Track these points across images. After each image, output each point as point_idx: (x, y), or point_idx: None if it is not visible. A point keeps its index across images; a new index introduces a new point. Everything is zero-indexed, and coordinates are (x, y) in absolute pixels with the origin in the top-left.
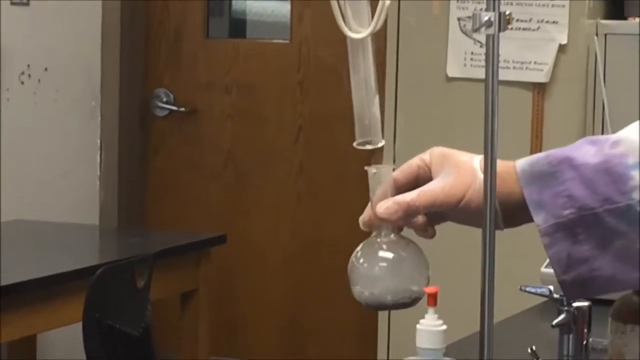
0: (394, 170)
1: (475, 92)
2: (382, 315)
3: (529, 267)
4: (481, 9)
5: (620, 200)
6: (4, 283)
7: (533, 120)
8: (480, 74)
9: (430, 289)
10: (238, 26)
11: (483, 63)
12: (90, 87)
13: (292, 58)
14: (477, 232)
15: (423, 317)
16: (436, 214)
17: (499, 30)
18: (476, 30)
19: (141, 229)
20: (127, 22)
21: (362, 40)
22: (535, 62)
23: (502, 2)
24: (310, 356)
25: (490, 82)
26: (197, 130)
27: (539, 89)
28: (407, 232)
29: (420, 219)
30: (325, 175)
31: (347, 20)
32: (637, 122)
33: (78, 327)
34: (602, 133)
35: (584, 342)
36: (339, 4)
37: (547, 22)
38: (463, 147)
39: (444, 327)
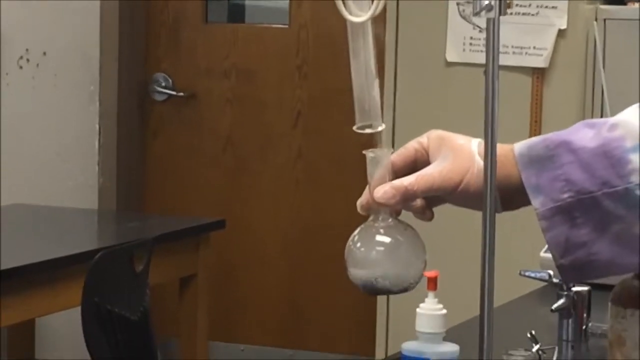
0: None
1: (474, 77)
2: (381, 300)
3: (528, 251)
4: None
5: (618, 184)
6: (3, 267)
7: (532, 105)
8: (479, 59)
9: (430, 273)
10: (237, 11)
11: (482, 48)
12: (89, 72)
13: (291, 43)
14: (477, 217)
15: (421, 303)
16: (434, 197)
17: (500, 14)
18: (477, 14)
19: (140, 214)
20: (126, 6)
21: (362, 24)
22: (534, 47)
23: None
24: (309, 341)
25: (491, 66)
26: (196, 115)
27: (538, 74)
28: (405, 215)
29: (419, 202)
30: (324, 160)
31: (347, 4)
32: (635, 105)
33: (77, 311)
34: (601, 117)
35: (583, 327)
36: None
37: (546, 7)
38: (462, 132)
39: (444, 311)
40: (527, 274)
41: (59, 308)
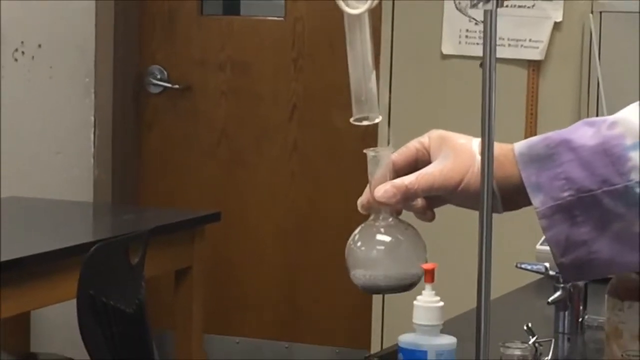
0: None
1: (470, 70)
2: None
3: (524, 244)
4: None
5: (618, 182)
6: None
7: (528, 97)
8: (475, 51)
9: (427, 266)
10: (232, 3)
11: (478, 40)
12: (84, 64)
13: (287, 35)
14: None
15: (417, 296)
16: (435, 197)
17: (497, 6)
18: (474, 5)
19: (135, 206)
20: None
21: (359, 16)
22: (530, 40)
23: None
24: (304, 334)
25: (488, 58)
26: (191, 107)
27: (534, 67)
28: (406, 215)
29: (419, 202)
30: (319, 153)
31: None
32: (635, 104)
33: (72, 303)
34: (597, 111)
35: (580, 319)
36: None
37: None
38: (458, 124)
39: (441, 303)
40: (523, 266)
41: (55, 300)
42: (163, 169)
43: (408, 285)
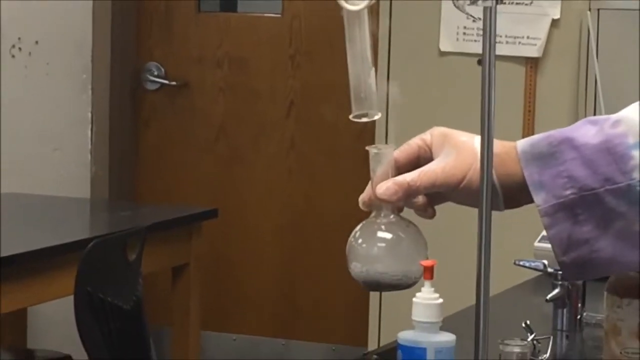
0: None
1: (468, 67)
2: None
3: (522, 241)
4: None
5: (621, 180)
6: None
7: (526, 94)
8: (473, 48)
9: (427, 263)
10: (229, 0)
11: (475, 37)
12: (82, 61)
13: (284, 32)
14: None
15: (415, 292)
16: (436, 195)
17: (497, 3)
18: (473, 2)
19: (132, 203)
20: None
21: (359, 12)
22: (528, 37)
23: None
24: (301, 331)
25: (488, 55)
26: (188, 104)
27: (532, 64)
28: (407, 212)
29: (421, 199)
30: (316, 149)
31: None
32: (638, 102)
33: (69, 300)
34: (595, 108)
35: (578, 317)
36: None
37: None
38: (456, 122)
39: (440, 300)
40: (521, 263)
41: (52, 297)
42: (160, 165)
43: (409, 283)
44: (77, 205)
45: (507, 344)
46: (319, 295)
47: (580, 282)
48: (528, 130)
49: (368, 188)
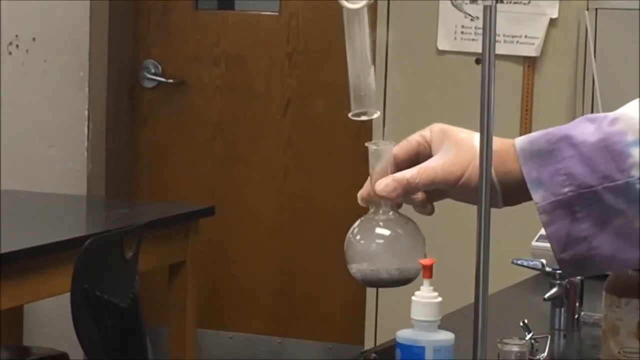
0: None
1: (465, 66)
2: (371, 288)
3: (520, 240)
4: None
5: (619, 178)
6: None
7: (523, 94)
8: (471, 47)
9: (426, 261)
10: None
11: (473, 36)
12: (79, 58)
13: (282, 30)
14: (473, 205)
15: (411, 290)
16: (435, 191)
17: (497, 1)
18: (474, 1)
19: (129, 201)
20: None
21: (358, 10)
22: (526, 36)
23: None
24: (298, 328)
25: (487, 53)
26: (185, 102)
27: (530, 63)
28: (405, 208)
29: (420, 195)
30: (313, 148)
31: None
32: (636, 100)
33: (65, 297)
34: (592, 107)
35: (576, 316)
36: None
37: None
38: (453, 120)
39: (439, 299)
40: (519, 262)
41: (48, 294)
42: (157, 163)
43: (407, 280)
44: (74, 202)
45: (506, 343)
46: (316, 293)
47: (578, 282)
48: (525, 129)
49: (367, 184)
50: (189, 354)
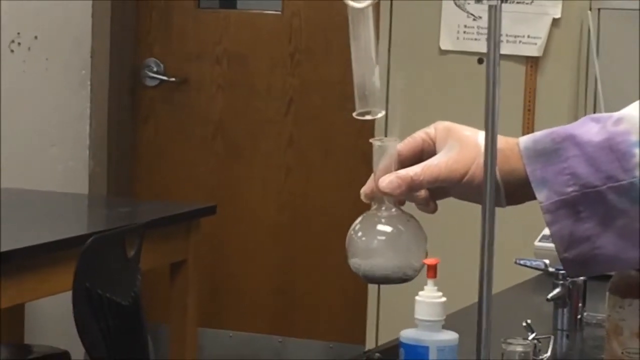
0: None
1: (468, 65)
2: (372, 287)
3: (523, 240)
4: None
5: (623, 178)
6: None
7: (526, 93)
8: (473, 47)
9: (430, 261)
10: None
11: (476, 36)
12: (81, 56)
13: (284, 30)
14: (476, 204)
15: (413, 290)
16: (438, 189)
17: (502, 1)
18: (479, 1)
19: (130, 199)
20: None
21: (363, 10)
22: (528, 36)
23: None
24: (298, 328)
25: (492, 53)
26: (187, 100)
27: (532, 63)
28: (407, 207)
29: (423, 193)
30: (314, 147)
31: None
32: None
33: (67, 296)
34: (594, 108)
35: (579, 316)
36: None
37: None
38: (455, 120)
39: (444, 299)
40: (522, 262)
41: (49, 293)
42: (158, 161)
43: (407, 277)
44: (75, 201)
45: (510, 343)
46: (317, 292)
47: (581, 282)
48: (528, 129)
49: (370, 180)
50: (189, 352)
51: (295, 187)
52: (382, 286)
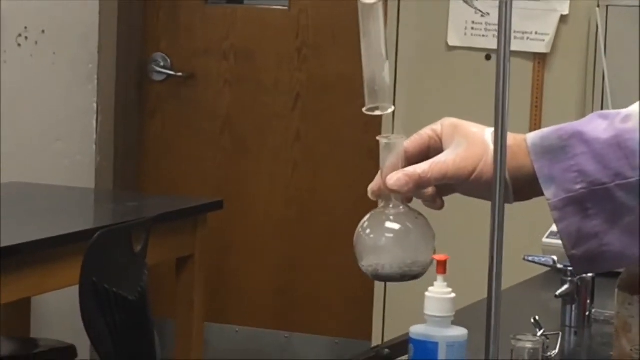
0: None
1: (475, 62)
2: (378, 284)
3: (530, 236)
4: None
5: (631, 176)
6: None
7: (533, 90)
8: (481, 43)
9: (440, 257)
10: None
11: (483, 32)
12: (88, 50)
13: (291, 25)
14: (485, 201)
15: (419, 286)
16: (444, 186)
17: None
18: None
19: (137, 194)
20: None
21: (373, 6)
22: (536, 33)
23: None
24: (305, 323)
25: (503, 49)
26: (194, 95)
27: (540, 59)
28: (414, 203)
29: (430, 190)
30: (321, 142)
31: None
32: None
33: (73, 290)
34: (602, 104)
35: (587, 313)
36: None
37: None
38: (463, 116)
39: (453, 295)
40: (530, 259)
41: (56, 287)
42: (165, 156)
43: (416, 274)
44: (82, 195)
45: (519, 340)
46: (323, 288)
47: (589, 279)
48: (535, 125)
49: (377, 178)
50: (195, 347)
51: (302, 182)
52: (389, 283)
